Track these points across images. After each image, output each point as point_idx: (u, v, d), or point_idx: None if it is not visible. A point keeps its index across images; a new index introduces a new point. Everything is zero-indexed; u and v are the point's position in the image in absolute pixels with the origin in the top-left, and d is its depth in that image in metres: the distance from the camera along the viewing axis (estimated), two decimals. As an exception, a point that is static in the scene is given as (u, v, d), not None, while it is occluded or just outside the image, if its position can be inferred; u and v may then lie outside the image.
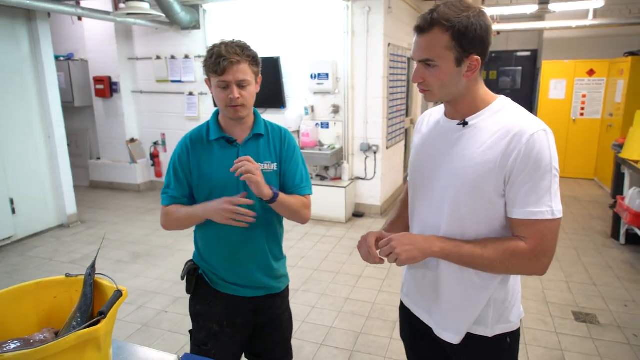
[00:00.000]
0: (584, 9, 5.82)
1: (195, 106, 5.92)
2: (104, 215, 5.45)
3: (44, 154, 4.85)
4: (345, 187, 5.09)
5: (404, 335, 1.46)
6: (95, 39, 6.11)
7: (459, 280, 1.18)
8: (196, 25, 5.59)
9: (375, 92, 5.02)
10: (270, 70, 5.18)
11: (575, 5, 5.60)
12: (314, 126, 5.33)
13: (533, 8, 5.49)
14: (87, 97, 6.39)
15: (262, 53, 5.87)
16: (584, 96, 6.61)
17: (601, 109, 6.54)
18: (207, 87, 6.20)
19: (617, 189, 4.80)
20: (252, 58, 1.46)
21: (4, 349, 0.91)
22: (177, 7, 5.06)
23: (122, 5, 4.59)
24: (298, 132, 5.31)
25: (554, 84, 6.68)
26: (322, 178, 5.42)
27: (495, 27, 6.48)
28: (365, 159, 5.29)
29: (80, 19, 5.50)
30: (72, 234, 4.81)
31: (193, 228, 1.64)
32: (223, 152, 1.52)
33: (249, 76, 1.45)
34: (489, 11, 6.32)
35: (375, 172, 5.30)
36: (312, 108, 5.29)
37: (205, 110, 5.89)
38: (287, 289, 1.73)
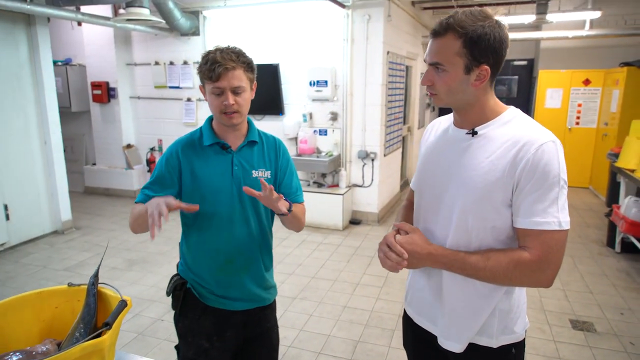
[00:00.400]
0: (581, 20, 5.89)
1: (193, 112, 5.92)
2: (99, 221, 5.41)
3: (40, 159, 4.82)
4: (342, 195, 5.09)
5: (406, 344, 1.45)
6: (93, 44, 6.11)
7: (463, 288, 1.18)
8: (196, 32, 5.60)
9: (374, 100, 5.04)
10: (269, 77, 5.20)
11: (572, 15, 5.67)
12: (312, 133, 5.33)
13: (531, 18, 5.55)
14: (84, 102, 6.37)
15: (261, 60, 5.89)
16: (579, 105, 6.66)
17: (596, 118, 6.59)
18: (205, 93, 6.06)
19: (612, 197, 4.83)
20: (247, 64, 1.45)
21: (6, 361, 0.90)
22: (177, 14, 5.07)
23: (122, 11, 4.61)
24: (296, 139, 5.31)
25: (550, 93, 6.74)
26: (320, 185, 5.42)
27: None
28: (363, 166, 5.29)
29: (80, 24, 5.49)
30: (66, 241, 4.77)
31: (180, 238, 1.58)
32: (217, 158, 1.51)
33: (244, 82, 1.43)
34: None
35: (372, 180, 5.30)
36: (311, 115, 5.30)
37: (203, 116, 5.88)
38: (275, 302, 1.71)
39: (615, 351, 2.76)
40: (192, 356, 1.55)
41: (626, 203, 4.06)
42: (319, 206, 5.04)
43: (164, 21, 4.90)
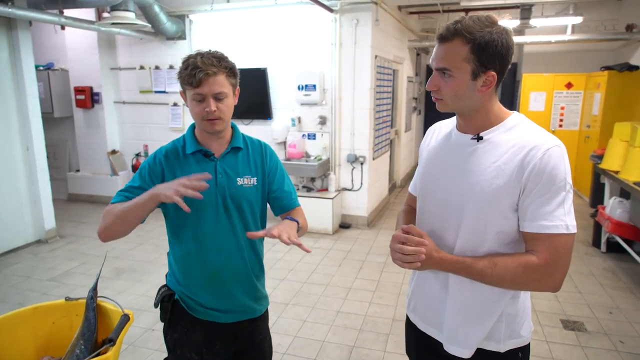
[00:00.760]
0: (563, 25, 6.01)
1: (180, 117, 5.85)
2: (84, 229, 5.29)
3: (22, 166, 4.69)
4: (332, 199, 5.08)
5: (410, 351, 1.44)
6: (76, 49, 5.99)
7: (470, 294, 1.17)
8: (182, 36, 5.54)
9: (363, 104, 5.05)
10: (257, 81, 5.17)
11: (554, 21, 5.79)
12: (301, 137, 5.32)
13: (514, 23, 5.64)
14: (67, 108, 6.24)
15: (249, 64, 5.86)
16: (562, 108, 6.79)
17: (579, 120, 6.73)
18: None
19: (596, 198, 4.93)
20: (229, 69, 1.40)
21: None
22: (163, 17, 5.01)
23: (106, 15, 4.52)
24: (285, 143, 5.29)
25: (533, 96, 6.85)
26: (309, 189, 5.40)
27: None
28: (352, 170, 5.30)
29: (63, 28, 5.38)
30: (50, 250, 4.64)
31: (167, 249, 1.53)
32: (200, 166, 1.46)
33: (226, 88, 1.38)
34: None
35: (362, 183, 5.31)
36: (299, 119, 5.29)
37: (189, 121, 5.80)
38: (267, 312, 1.66)
39: (606, 350, 2.80)
40: None
41: (611, 204, 4.14)
42: (308, 210, 4.94)
43: (149, 25, 4.83)
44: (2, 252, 4.47)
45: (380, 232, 5.18)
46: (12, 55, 4.48)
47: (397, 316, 3.25)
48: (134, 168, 6.28)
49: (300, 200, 1.69)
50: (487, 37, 1.03)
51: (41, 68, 5.98)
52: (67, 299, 1.03)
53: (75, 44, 5.97)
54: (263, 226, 1.60)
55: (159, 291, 1.52)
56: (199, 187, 1.24)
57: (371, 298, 3.55)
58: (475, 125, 1.15)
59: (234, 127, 1.55)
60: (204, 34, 5.50)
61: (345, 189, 5.38)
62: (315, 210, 5.06)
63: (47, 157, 4.94)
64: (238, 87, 1.48)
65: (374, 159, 5.44)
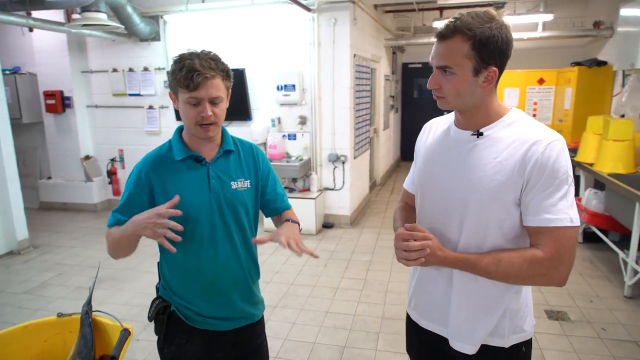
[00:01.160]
0: (534, 22, 6.16)
1: (156, 120, 5.71)
2: (59, 238, 5.10)
3: (-9, 174, 4.49)
4: (314, 199, 5.05)
5: (411, 349, 1.43)
6: (44, 51, 5.77)
7: (475, 290, 1.17)
8: (156, 37, 5.41)
9: (343, 103, 5.05)
10: (235, 82, 5.01)
11: (526, 18, 5.92)
12: (281, 138, 5.28)
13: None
14: (36, 113, 6.00)
15: (227, 65, 5.64)
16: (535, 103, 6.95)
17: (551, 115, 6.90)
18: (169, 100, 5.87)
19: (572, 190, 5.06)
20: (225, 72, 1.35)
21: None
22: (136, 18, 4.88)
23: (76, 16, 4.37)
24: (265, 144, 5.23)
25: (507, 92, 6.99)
26: (291, 190, 5.36)
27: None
28: (334, 169, 5.29)
29: (31, 30, 5.17)
30: (24, 261, 4.45)
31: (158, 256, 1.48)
32: (191, 172, 1.40)
33: (222, 92, 1.33)
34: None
35: (343, 182, 5.30)
36: (279, 120, 5.24)
37: (166, 124, 5.69)
38: (263, 316, 1.64)
39: (589, 337, 2.88)
40: None
41: (586, 195, 4.26)
42: (291, 211, 4.97)
43: (122, 26, 4.70)
44: (-29, 266, 4.27)
45: (364, 231, 5.19)
46: (-23, 59, 4.27)
47: (385, 314, 3.25)
48: (109, 174, 6.10)
49: (283, 201, 1.67)
50: (487, 33, 1.03)
51: (7, 72, 5.73)
52: (60, 315, 0.97)
53: (44, 46, 5.75)
54: (256, 228, 1.56)
55: (152, 304, 1.46)
56: (174, 226, 1.19)
57: (359, 297, 3.55)
58: (475, 122, 1.15)
59: (223, 130, 1.50)
60: (179, 35, 5.39)
61: (327, 189, 5.37)
62: (298, 211, 4.92)
63: (17, 164, 4.74)
64: (230, 90, 1.44)
65: (355, 157, 5.45)
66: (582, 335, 2.92)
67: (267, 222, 4.87)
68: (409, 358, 1.47)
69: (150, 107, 5.69)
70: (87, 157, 6.07)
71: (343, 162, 5.23)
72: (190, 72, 1.27)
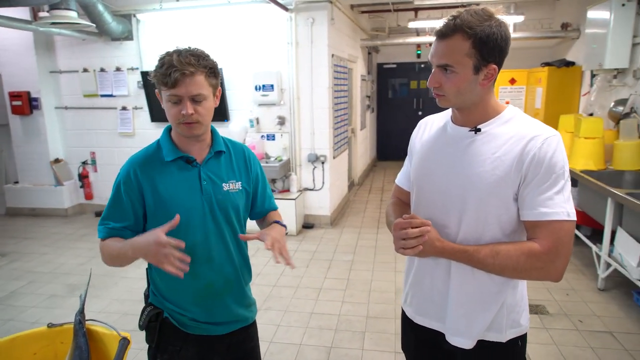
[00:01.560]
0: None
1: (130, 121, 5.55)
2: (29, 245, 4.89)
3: (-47, 180, 4.26)
4: (294, 199, 5.03)
5: (407, 346, 1.43)
6: (9, 50, 5.52)
7: (473, 285, 1.18)
8: (128, 36, 5.26)
9: (321, 103, 5.04)
10: (212, 82, 5.01)
11: (498, 19, 6.06)
12: (260, 138, 5.23)
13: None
14: (1, 115, 5.75)
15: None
16: (507, 103, 7.02)
17: (523, 114, 7.10)
18: (143, 101, 5.74)
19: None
20: (209, 69, 1.31)
21: None
22: (107, 17, 4.73)
23: (44, 14, 4.19)
24: (243, 145, 5.17)
25: (481, 92, 7.16)
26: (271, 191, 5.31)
27: (427, 39, 6.83)
28: (313, 169, 5.27)
29: (-6, 28, 4.93)
30: (-8, 269, 4.25)
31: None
32: (182, 174, 1.36)
33: (204, 90, 1.29)
34: (419, 24, 6.65)
35: (323, 182, 5.30)
36: (257, 120, 5.19)
37: (140, 125, 5.54)
38: (255, 319, 1.62)
39: (568, 330, 2.97)
40: None
41: (560, 191, 4.39)
42: (272, 213, 4.93)
43: (94, 25, 4.54)
44: None
45: (344, 231, 5.20)
46: (-63, 58, 4.05)
47: (370, 313, 3.26)
48: (81, 177, 5.90)
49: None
50: (487, 31, 1.04)
51: (-31, 72, 5.47)
52: (50, 325, 0.92)
53: (8, 45, 5.50)
54: (245, 226, 1.54)
55: (143, 312, 1.40)
56: (181, 257, 1.17)
57: (343, 297, 3.54)
58: (474, 119, 1.16)
59: (213, 130, 1.47)
60: (153, 35, 5.26)
61: (307, 189, 5.35)
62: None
63: (-18, 169, 4.53)
64: (220, 87, 1.40)
65: (334, 157, 5.45)
66: (560, 327, 3.00)
67: (251, 223, 4.82)
68: (405, 356, 1.47)
69: (124, 108, 5.53)
70: (57, 160, 5.85)
71: (322, 162, 5.22)
72: (168, 69, 1.23)
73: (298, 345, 2.88)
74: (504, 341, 1.19)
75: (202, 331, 1.41)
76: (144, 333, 1.44)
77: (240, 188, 1.46)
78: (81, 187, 5.96)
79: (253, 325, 1.59)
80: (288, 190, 5.26)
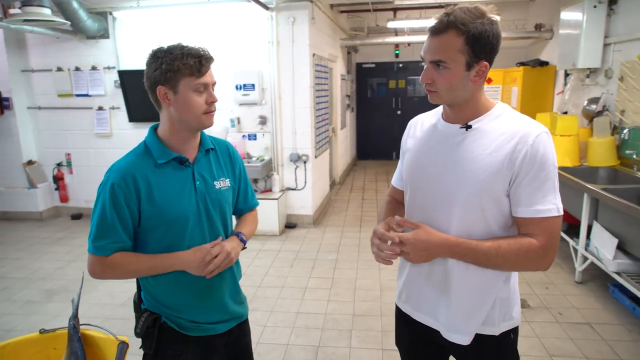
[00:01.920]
0: (482, 24, 6.45)
1: (107, 122, 5.42)
2: (2, 250, 4.72)
3: None
4: (277, 199, 5.01)
5: (401, 342, 1.44)
6: (-23, 49, 5.32)
7: (467, 281, 1.19)
8: (105, 34, 5.13)
9: (303, 102, 5.03)
10: (192, 81, 4.94)
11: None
12: (241, 138, 5.18)
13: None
14: (-31, 116, 5.52)
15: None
16: (484, 102, 7.28)
17: (499, 112, 7.26)
18: (120, 100, 5.59)
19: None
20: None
21: None
22: (83, 14, 4.60)
23: (15, 11, 4.05)
24: (225, 145, 5.11)
25: (459, 91, 7.28)
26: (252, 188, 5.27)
27: (406, 39, 6.90)
28: (295, 169, 5.26)
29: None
30: (-38, 276, 4.09)
31: None
32: (177, 175, 1.32)
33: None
34: (398, 24, 6.71)
35: (305, 182, 5.29)
36: (238, 120, 5.15)
37: (118, 126, 5.42)
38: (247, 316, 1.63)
39: (548, 322, 3.05)
40: None
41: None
42: (254, 213, 4.89)
43: (68, 22, 4.41)
44: None
45: (327, 230, 5.21)
46: None
47: (356, 311, 3.28)
48: (56, 179, 5.72)
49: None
50: (480, 28, 1.06)
51: None
52: (42, 331, 0.89)
53: (-24, 43, 5.30)
54: (232, 225, 1.54)
55: (139, 318, 1.36)
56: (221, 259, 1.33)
57: (328, 296, 3.55)
58: (465, 115, 1.18)
59: None
60: (130, 33, 5.14)
61: (289, 189, 5.33)
62: (260, 212, 4.84)
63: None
64: None
65: (316, 157, 5.45)
66: (541, 320, 3.08)
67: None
68: (399, 352, 1.48)
69: (100, 108, 5.40)
70: (30, 162, 5.66)
71: (304, 162, 5.22)
72: (197, 58, 1.26)
73: (285, 345, 2.87)
74: (497, 334, 1.22)
75: (202, 332, 1.40)
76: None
77: (229, 185, 1.45)
78: (56, 189, 5.78)
79: (246, 321, 1.60)
80: (270, 190, 5.24)
